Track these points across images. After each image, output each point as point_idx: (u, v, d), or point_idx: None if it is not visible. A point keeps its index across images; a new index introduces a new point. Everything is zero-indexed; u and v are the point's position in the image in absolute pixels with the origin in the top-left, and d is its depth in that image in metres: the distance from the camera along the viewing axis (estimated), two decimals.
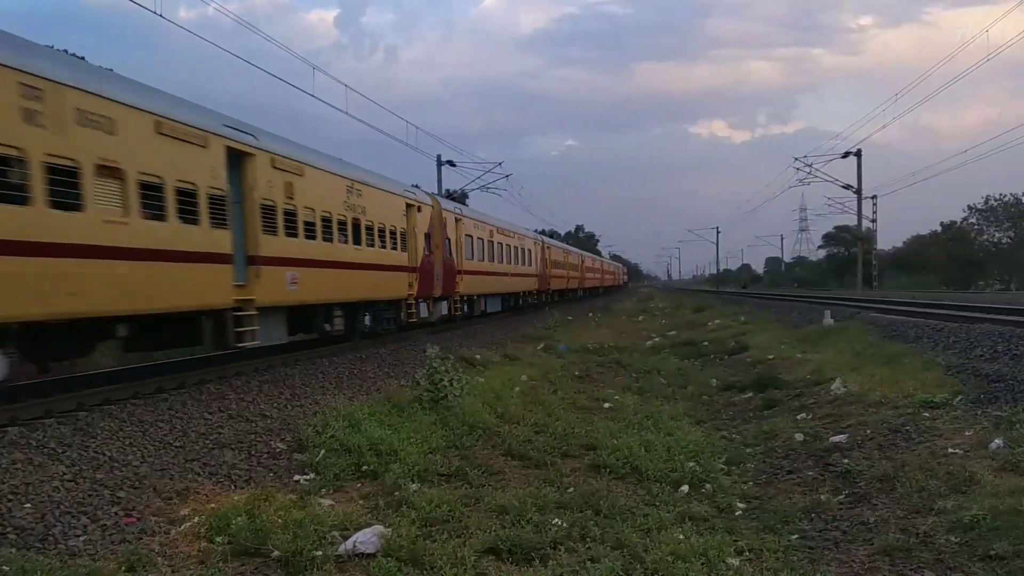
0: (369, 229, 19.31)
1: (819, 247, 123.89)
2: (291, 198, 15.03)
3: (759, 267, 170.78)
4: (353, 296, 18.64)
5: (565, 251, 58.20)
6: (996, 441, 8.48)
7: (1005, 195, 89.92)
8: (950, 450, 8.64)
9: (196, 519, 6.85)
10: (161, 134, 11.31)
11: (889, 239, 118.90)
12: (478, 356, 18.57)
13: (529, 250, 40.55)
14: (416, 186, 25.31)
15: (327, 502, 7.61)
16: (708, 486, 9.00)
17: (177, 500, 7.38)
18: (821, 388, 14.20)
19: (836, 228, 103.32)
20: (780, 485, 9.04)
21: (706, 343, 27.38)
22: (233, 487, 8.04)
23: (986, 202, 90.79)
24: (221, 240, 12.70)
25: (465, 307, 29.82)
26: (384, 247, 20.47)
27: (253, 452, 9.24)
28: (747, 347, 24.06)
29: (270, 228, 14.22)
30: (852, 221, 59.40)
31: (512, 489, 8.39)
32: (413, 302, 22.78)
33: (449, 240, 26.58)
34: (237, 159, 13.46)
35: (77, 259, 9.63)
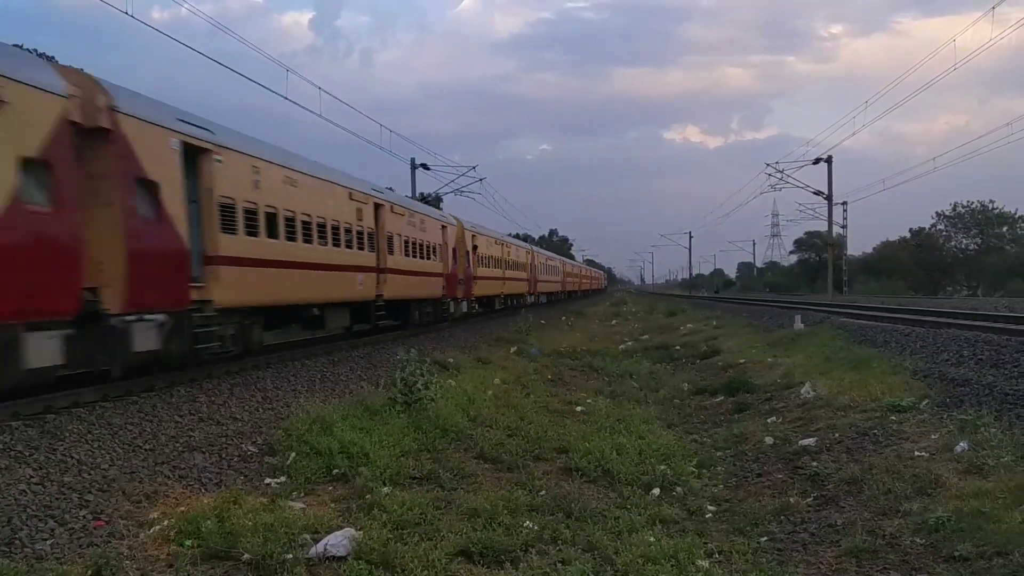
0: (422, 246, 26.84)
1: (790, 252, 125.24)
2: (398, 235, 24.11)
3: (731, 272, 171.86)
4: (412, 294, 25.51)
5: (548, 257, 65.03)
6: (961, 444, 8.61)
7: (972, 202, 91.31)
8: (916, 453, 8.75)
9: (165, 522, 6.80)
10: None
11: (859, 244, 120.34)
12: (451, 359, 18.56)
13: (523, 260, 47.94)
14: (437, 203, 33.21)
15: (298, 505, 7.59)
16: (679, 489, 9.06)
17: (146, 503, 7.32)
18: (791, 392, 14.34)
19: (807, 234, 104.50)
20: (750, 488, 9.12)
21: (678, 347, 27.54)
22: (203, 490, 7.98)
23: (954, 209, 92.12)
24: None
25: (476, 306, 36.73)
26: (432, 259, 28.10)
27: (224, 455, 9.18)
28: (719, 351, 24.23)
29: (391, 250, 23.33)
30: (823, 227, 59.98)
31: (484, 492, 8.41)
32: (447, 301, 30.36)
33: (468, 253, 33.71)
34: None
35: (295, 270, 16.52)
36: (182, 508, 7.22)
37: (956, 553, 6.09)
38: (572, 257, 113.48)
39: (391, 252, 22.97)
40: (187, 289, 12.43)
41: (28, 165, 9.18)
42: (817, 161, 52.26)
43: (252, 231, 14.57)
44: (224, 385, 12.78)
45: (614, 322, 47.89)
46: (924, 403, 10.95)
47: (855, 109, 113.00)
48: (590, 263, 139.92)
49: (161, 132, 11.95)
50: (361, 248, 20.49)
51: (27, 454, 8.10)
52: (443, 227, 30.00)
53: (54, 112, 9.68)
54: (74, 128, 10.01)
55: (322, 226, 17.91)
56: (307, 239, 17.06)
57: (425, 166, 42.79)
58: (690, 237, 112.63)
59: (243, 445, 9.65)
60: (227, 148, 13.78)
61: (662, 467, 9.77)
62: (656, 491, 8.91)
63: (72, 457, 8.24)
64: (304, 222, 16.84)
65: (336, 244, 18.78)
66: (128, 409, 10.42)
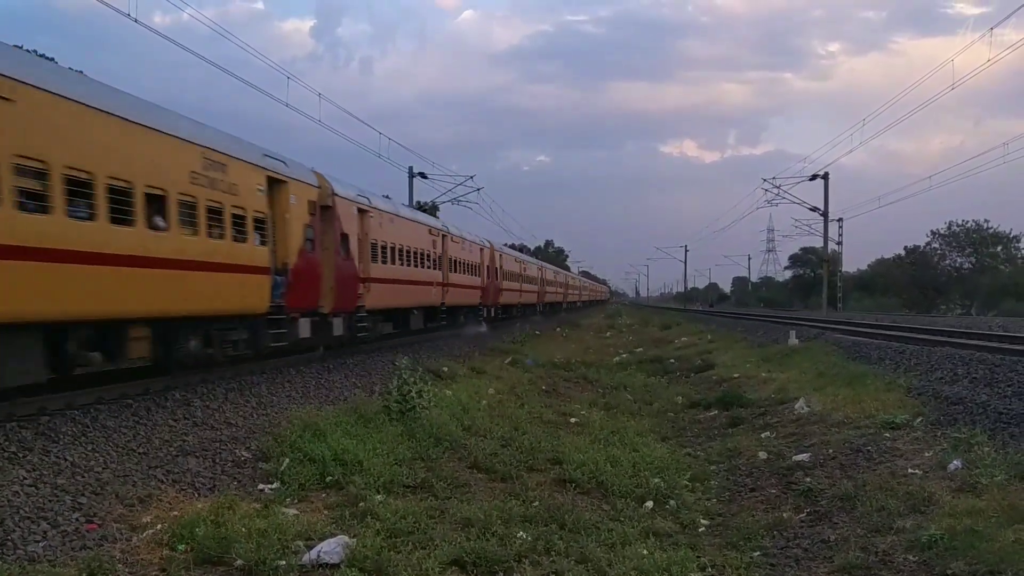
0: (469, 266, 32.88)
1: (785, 268, 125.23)
2: (455, 258, 29.41)
3: (726, 286, 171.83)
4: (462, 302, 32.47)
5: (556, 272, 73.54)
6: (954, 462, 8.63)
7: (967, 221, 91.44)
8: (910, 470, 8.77)
9: (158, 526, 6.79)
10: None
11: (854, 261, 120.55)
12: (445, 368, 18.56)
13: (535, 275, 54.36)
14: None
15: (291, 511, 7.57)
16: (672, 502, 9.07)
17: (139, 507, 7.30)
18: (785, 407, 14.36)
19: (802, 249, 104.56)
20: (743, 502, 9.13)
21: (673, 360, 27.56)
22: (197, 495, 7.96)
23: (948, 227, 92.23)
24: None
25: (501, 312, 42.11)
26: (476, 277, 34.75)
27: (217, 460, 9.16)
28: (713, 365, 24.25)
29: None
30: (818, 243, 59.98)
31: (478, 502, 8.40)
32: (482, 308, 36.19)
33: (497, 269, 39.16)
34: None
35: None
36: (175, 512, 7.21)
37: (949, 571, 6.10)
38: (568, 269, 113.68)
39: (452, 271, 29.83)
40: (356, 298, 19.47)
41: (304, 228, 16.21)
42: (814, 177, 52.35)
43: (384, 260, 21.76)
44: (219, 390, 12.75)
45: (609, 334, 47.93)
46: (918, 420, 10.98)
47: (852, 127, 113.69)
48: (585, 275, 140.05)
49: (352, 205, 19.39)
50: (435, 268, 27.43)
51: (21, 455, 8.07)
52: (481, 249, 36.19)
53: (313, 197, 16.88)
54: (318, 206, 17.04)
55: (415, 253, 24.82)
56: (408, 263, 24.15)
57: (423, 175, 42.73)
58: (686, 251, 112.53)
59: (237, 450, 9.63)
60: (374, 208, 21.03)
61: (656, 480, 9.77)
62: (649, 504, 8.91)
63: (66, 459, 8.21)
64: (406, 251, 23.79)
65: (421, 266, 25.61)
66: (122, 412, 10.40)
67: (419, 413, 11.76)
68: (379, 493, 8.34)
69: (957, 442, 9.39)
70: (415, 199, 42.65)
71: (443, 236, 28.83)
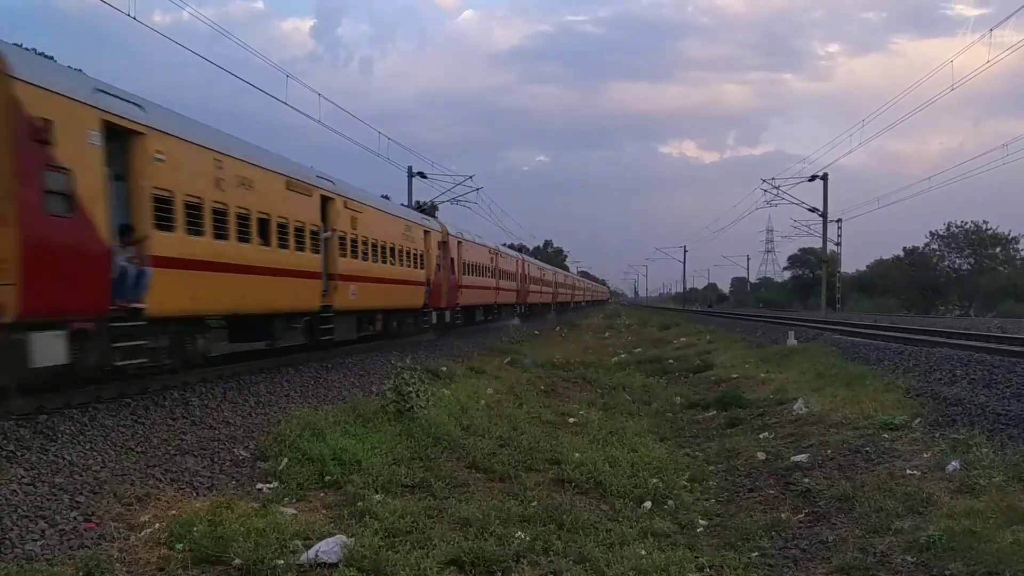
0: (507, 274, 42.07)
1: (784, 268, 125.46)
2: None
3: (725, 287, 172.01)
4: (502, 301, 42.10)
5: (565, 276, 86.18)
6: (953, 463, 8.63)
7: (966, 222, 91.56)
8: (908, 471, 8.78)
9: (156, 526, 6.78)
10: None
11: (853, 262, 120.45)
12: (444, 368, 18.55)
13: (549, 279, 64.53)
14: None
15: (290, 511, 7.57)
16: (671, 502, 9.07)
17: (137, 506, 7.30)
18: (784, 407, 14.36)
19: (801, 250, 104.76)
20: (741, 503, 9.14)
21: (671, 360, 27.56)
22: (195, 494, 7.96)
23: (947, 228, 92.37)
24: None
25: (527, 309, 51.79)
26: (512, 282, 43.76)
27: (216, 459, 9.16)
28: (712, 365, 24.26)
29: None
30: (817, 243, 60.09)
31: (476, 502, 8.40)
32: (517, 306, 47.24)
33: (527, 276, 49.61)
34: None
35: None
36: (173, 512, 7.20)
37: (947, 572, 6.11)
38: (566, 268, 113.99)
39: (500, 279, 41.06)
40: (456, 299, 30.20)
41: (436, 257, 27.02)
42: (813, 178, 52.46)
43: (470, 273, 33.30)
44: (217, 389, 12.75)
45: (608, 334, 47.93)
46: (916, 421, 10.98)
47: (851, 127, 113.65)
48: (584, 275, 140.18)
49: (455, 239, 29.99)
50: (491, 277, 37.99)
51: (19, 454, 8.07)
52: (518, 261, 47.73)
53: (440, 239, 27.94)
54: (441, 243, 27.57)
55: (484, 268, 35.42)
56: (482, 275, 36.32)
57: (422, 174, 42.77)
58: (684, 251, 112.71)
59: (235, 450, 9.63)
60: (466, 240, 31.55)
61: (654, 480, 9.78)
62: (648, 504, 8.91)
63: (64, 458, 8.21)
64: (481, 267, 35.29)
65: (484, 276, 36.55)
66: (120, 411, 10.40)
67: (417, 413, 11.76)
68: (377, 493, 8.33)
69: (955, 443, 9.40)
70: (414, 199, 42.69)
71: (497, 253, 40.19)
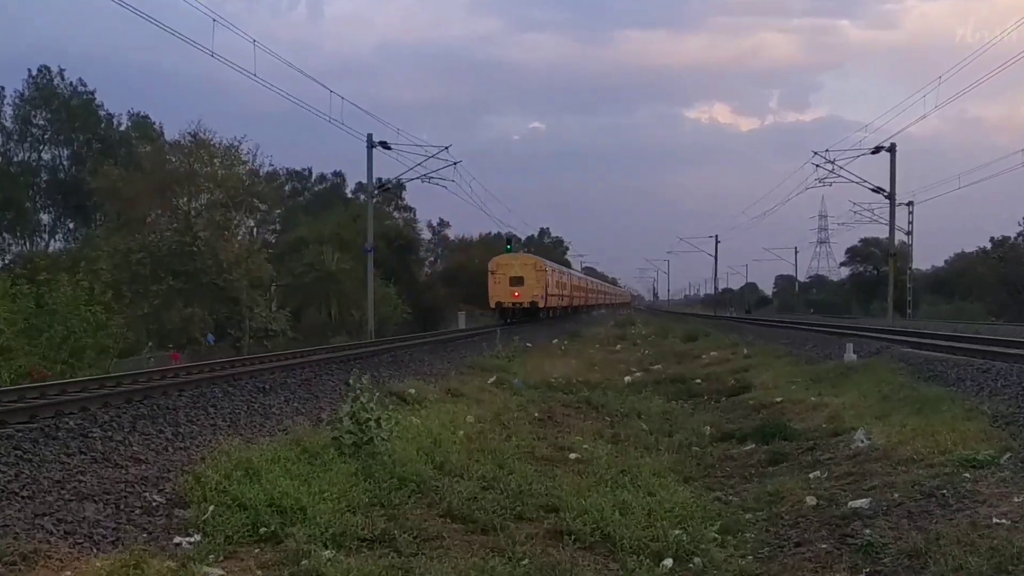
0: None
1: (841, 264, 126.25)
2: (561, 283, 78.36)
3: (767, 287, 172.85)
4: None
5: (590, 281, 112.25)
6: None
7: None
8: (995, 520, 8.81)
9: None
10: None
11: (927, 256, 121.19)
12: (412, 391, 18.55)
13: (582, 285, 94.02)
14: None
15: (216, 572, 7.56)
16: (697, 560, 9.09)
17: (23, 566, 7.26)
18: (839, 440, 14.42)
19: (862, 241, 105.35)
20: (786, 560, 9.16)
21: (699, 381, 27.65)
22: (95, 550, 7.93)
23: None
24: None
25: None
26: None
27: (123, 506, 9.14)
28: (749, 387, 24.35)
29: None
30: (883, 233, 60.31)
31: (451, 560, 8.41)
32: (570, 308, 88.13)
33: (573, 285, 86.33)
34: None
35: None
36: (68, 573, 7.18)
37: None
38: (568, 264, 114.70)
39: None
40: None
41: (558, 284, 78.71)
42: (877, 150, 52.40)
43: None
44: (124, 417, 12.73)
45: (619, 347, 48.07)
46: (1006, 457, 11.04)
47: (925, 87, 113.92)
48: (590, 272, 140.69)
49: (566, 272, 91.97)
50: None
51: None
52: (568, 273, 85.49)
53: (558, 277, 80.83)
54: (566, 281, 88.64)
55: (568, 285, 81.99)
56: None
57: (385, 144, 42.80)
58: (716, 242, 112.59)
59: (147, 494, 9.60)
60: (566, 270, 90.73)
61: (676, 532, 9.79)
62: (668, 562, 8.93)
63: None
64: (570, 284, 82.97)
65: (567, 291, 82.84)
66: (0, 445, 10.35)
67: (379, 447, 11.77)
68: (327, 548, 8.33)
69: None
70: (375, 176, 42.72)
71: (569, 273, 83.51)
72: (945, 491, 10.09)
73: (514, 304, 60.05)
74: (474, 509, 10.33)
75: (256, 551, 8.38)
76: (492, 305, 61.45)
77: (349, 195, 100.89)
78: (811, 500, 11.03)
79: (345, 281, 62.51)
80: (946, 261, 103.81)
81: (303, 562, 7.88)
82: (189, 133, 53.28)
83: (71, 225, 73.61)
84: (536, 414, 19.19)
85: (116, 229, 52.67)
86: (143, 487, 9.82)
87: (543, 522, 10.21)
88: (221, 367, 20.71)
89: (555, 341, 45.78)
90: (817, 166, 54.20)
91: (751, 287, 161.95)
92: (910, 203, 61.05)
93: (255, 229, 66.54)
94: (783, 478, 12.63)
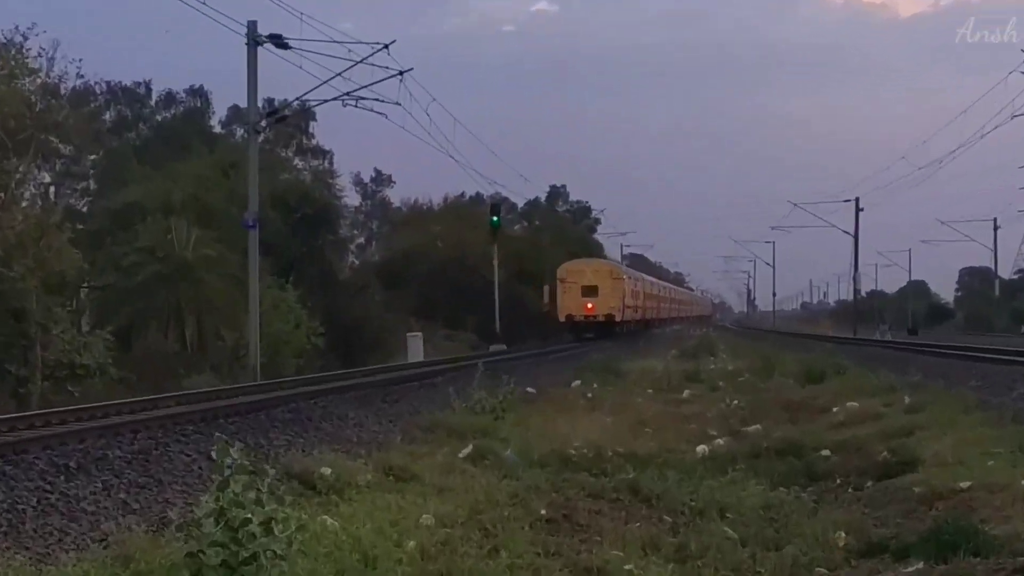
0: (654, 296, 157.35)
1: None
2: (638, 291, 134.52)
3: (946, 289, 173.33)
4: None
5: (675, 287, 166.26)
6: None
7: None
8: None
9: None
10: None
11: None
12: (327, 470, 18.47)
13: (661, 295, 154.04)
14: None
15: None
16: None
17: None
18: None
19: None
20: None
21: (827, 452, 27.63)
22: None
23: None
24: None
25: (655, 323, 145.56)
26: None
27: None
28: (914, 462, 24.30)
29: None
30: None
31: None
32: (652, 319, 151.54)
33: (654, 295, 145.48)
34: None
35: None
36: None
37: None
38: (599, 245, 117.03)
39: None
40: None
41: (634, 294, 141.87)
42: None
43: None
44: None
45: (686, 393, 47.86)
46: None
47: None
48: (638, 265, 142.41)
49: (640, 280, 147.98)
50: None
51: None
52: (642, 280, 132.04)
53: (646, 289, 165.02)
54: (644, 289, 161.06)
55: (645, 294, 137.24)
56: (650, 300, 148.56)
57: (279, 40, 42.82)
58: (857, 209, 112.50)
59: None
60: (642, 278, 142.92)
61: None
62: None
63: None
64: (647, 294, 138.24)
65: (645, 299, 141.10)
66: None
67: (268, 571, 11.77)
68: None
69: None
70: (262, 95, 42.68)
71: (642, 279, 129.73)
72: None
73: (587, 318, 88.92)
74: None
75: None
76: (562, 318, 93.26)
77: (217, 129, 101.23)
78: None
79: (209, 279, 62.18)
80: None
81: None
82: None
83: None
84: (543, 511, 19.11)
85: None
86: None
87: None
88: None
89: (576, 383, 45.72)
90: None
91: (917, 288, 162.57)
92: None
93: (52, 188, 66.09)
94: None
